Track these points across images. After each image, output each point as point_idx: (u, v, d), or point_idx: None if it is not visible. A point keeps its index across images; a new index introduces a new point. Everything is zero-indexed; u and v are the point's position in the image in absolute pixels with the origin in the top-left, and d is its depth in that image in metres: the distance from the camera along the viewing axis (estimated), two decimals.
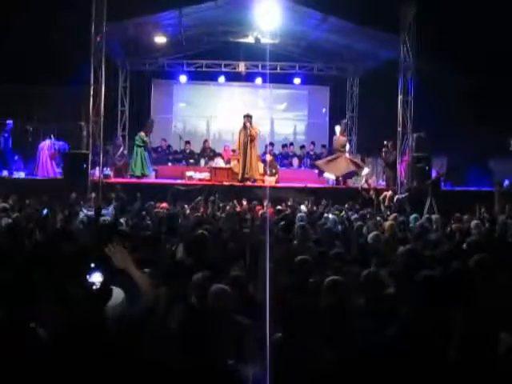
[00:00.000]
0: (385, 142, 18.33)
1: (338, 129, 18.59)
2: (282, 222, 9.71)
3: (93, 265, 4.33)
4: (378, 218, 11.44)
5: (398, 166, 17.70)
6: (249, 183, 17.41)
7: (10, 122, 18.22)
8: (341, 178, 18.31)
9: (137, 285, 4.49)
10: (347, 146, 18.63)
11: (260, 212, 12.01)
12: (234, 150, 19.93)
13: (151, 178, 18.73)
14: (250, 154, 17.67)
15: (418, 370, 4.05)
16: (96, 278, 4.31)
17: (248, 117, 17.86)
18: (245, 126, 17.72)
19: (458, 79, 18.72)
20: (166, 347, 4.10)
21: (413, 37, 17.00)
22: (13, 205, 11.76)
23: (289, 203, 14.30)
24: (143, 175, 18.35)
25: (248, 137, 17.62)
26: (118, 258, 4.48)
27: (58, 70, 18.57)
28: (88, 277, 4.32)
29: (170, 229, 9.15)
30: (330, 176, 18.46)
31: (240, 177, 17.65)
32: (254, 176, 17.75)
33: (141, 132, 18.78)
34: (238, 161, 18.19)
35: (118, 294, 4.48)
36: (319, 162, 18.92)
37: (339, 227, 10.38)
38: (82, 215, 11.07)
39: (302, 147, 22.07)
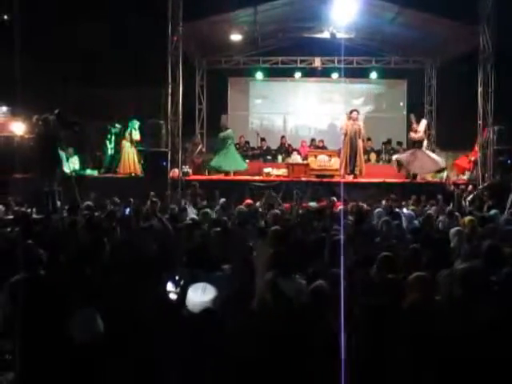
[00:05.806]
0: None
1: (413, 121, 18.19)
2: (357, 218, 9.69)
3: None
4: (458, 214, 11.21)
5: (478, 162, 17.23)
6: (327, 179, 17.27)
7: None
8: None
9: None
10: (425, 142, 18.02)
11: (338, 208, 11.95)
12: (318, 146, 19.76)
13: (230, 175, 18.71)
14: (358, 148, 17.72)
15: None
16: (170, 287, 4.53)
17: (356, 111, 17.88)
18: (353, 121, 17.78)
19: None
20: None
21: (492, 28, 16.56)
22: (96, 203, 12.03)
23: (366, 199, 14.21)
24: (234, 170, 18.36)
25: (355, 132, 17.65)
26: None
27: (137, 71, 18.95)
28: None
29: (243, 225, 9.24)
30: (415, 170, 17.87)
31: (349, 171, 17.58)
32: (362, 171, 17.79)
33: (229, 130, 18.63)
34: (316, 156, 18.16)
35: (209, 291, 4.51)
36: (400, 160, 18.18)
37: (415, 222, 10.26)
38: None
39: (385, 143, 21.67)
